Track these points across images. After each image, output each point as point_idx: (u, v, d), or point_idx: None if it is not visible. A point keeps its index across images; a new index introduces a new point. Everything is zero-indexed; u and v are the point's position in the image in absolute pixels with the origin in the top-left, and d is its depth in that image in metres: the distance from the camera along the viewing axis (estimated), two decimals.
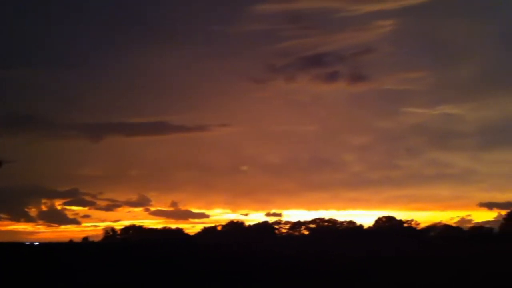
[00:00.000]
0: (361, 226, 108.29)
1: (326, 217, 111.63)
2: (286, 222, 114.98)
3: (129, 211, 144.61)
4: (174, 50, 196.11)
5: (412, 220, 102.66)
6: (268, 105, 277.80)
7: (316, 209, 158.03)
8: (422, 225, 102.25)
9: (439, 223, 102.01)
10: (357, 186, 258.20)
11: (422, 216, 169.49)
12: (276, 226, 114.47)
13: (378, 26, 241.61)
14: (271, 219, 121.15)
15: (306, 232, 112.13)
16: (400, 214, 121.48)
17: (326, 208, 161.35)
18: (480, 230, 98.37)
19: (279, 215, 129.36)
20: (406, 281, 29.45)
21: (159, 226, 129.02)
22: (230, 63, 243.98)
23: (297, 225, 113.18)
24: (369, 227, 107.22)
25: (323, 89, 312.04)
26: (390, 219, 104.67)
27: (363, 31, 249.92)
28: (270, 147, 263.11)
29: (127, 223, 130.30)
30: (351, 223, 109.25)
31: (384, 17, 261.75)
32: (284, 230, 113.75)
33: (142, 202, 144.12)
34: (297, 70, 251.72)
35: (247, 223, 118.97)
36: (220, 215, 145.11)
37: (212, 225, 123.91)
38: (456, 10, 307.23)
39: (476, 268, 40.38)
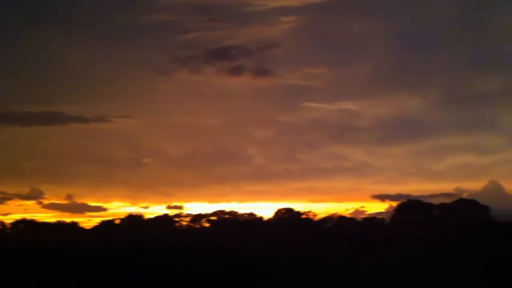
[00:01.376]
0: (261, 218, 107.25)
1: (227, 210, 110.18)
2: (187, 215, 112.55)
3: (20, 204, 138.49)
4: (72, 38, 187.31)
5: (310, 212, 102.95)
6: (172, 96, 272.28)
7: (218, 201, 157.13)
8: (319, 216, 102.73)
9: (335, 214, 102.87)
10: (259, 178, 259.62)
11: (320, 208, 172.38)
12: (177, 219, 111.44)
13: (282, 22, 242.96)
14: (171, 212, 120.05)
15: (207, 225, 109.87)
16: (300, 206, 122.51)
17: (228, 201, 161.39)
18: (372, 220, 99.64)
19: (180, 207, 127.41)
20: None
21: (53, 220, 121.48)
22: (133, 53, 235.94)
23: (198, 217, 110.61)
24: (269, 219, 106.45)
25: (228, 82, 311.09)
26: (289, 210, 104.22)
27: (268, 26, 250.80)
28: (172, 140, 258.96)
29: (18, 216, 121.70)
30: (251, 215, 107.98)
31: (287, 13, 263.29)
32: (184, 223, 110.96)
33: (35, 195, 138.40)
34: (203, 62, 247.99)
35: (146, 216, 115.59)
36: (119, 208, 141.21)
37: (110, 218, 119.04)
38: (355, 9, 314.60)
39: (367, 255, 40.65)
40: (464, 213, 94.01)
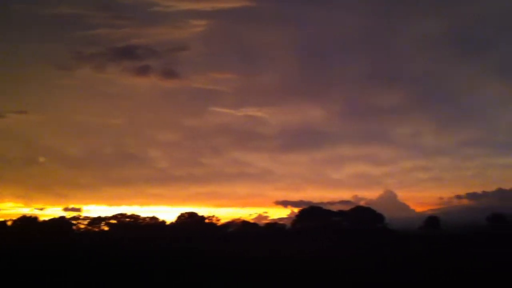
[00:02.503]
0: (163, 222, 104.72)
1: (128, 213, 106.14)
2: (85, 218, 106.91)
3: None
4: None
5: (213, 216, 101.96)
6: (73, 94, 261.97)
7: (118, 204, 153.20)
8: (223, 221, 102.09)
9: (238, 219, 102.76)
10: (161, 182, 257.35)
11: (224, 212, 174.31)
12: (74, 222, 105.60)
13: (192, 25, 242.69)
14: (69, 214, 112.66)
15: (106, 228, 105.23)
16: (203, 210, 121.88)
17: (129, 204, 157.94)
18: (274, 225, 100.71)
19: (78, 210, 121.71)
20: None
21: None
22: (32, 46, 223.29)
23: (97, 220, 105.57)
24: (172, 223, 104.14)
25: (133, 82, 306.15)
26: (192, 215, 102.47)
27: (178, 28, 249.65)
28: (71, 138, 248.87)
29: None
30: (153, 218, 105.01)
31: (198, 17, 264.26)
32: (82, 226, 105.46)
33: None
34: (107, 60, 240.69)
35: (41, 218, 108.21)
36: (12, 209, 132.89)
37: (1, 219, 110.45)
38: (265, 18, 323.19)
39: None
40: (361, 220, 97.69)
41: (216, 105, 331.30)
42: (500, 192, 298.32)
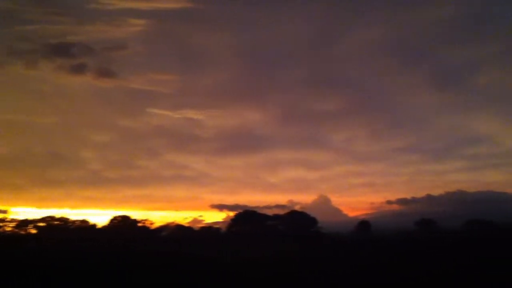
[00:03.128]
0: (94, 225, 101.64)
1: (58, 215, 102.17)
2: (12, 220, 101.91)
3: None
4: None
5: (146, 220, 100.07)
6: (2, 90, 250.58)
7: (48, 207, 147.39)
8: (157, 225, 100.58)
9: (173, 222, 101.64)
10: (94, 184, 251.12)
11: (158, 216, 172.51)
12: (0, 224, 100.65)
13: (131, 24, 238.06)
14: None
15: (34, 231, 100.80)
16: (136, 214, 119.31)
17: (59, 206, 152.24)
18: (209, 229, 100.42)
19: (5, 212, 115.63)
20: None
21: None
22: None
23: (24, 223, 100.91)
24: (103, 226, 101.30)
25: (67, 81, 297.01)
26: (125, 218, 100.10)
27: (115, 26, 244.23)
28: None
29: None
30: (84, 222, 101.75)
31: (137, 16, 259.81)
32: (9, 229, 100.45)
33: None
34: (40, 57, 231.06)
35: None
36: None
37: None
38: (207, 20, 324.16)
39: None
40: (295, 224, 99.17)
41: (154, 106, 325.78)
42: (429, 198, 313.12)
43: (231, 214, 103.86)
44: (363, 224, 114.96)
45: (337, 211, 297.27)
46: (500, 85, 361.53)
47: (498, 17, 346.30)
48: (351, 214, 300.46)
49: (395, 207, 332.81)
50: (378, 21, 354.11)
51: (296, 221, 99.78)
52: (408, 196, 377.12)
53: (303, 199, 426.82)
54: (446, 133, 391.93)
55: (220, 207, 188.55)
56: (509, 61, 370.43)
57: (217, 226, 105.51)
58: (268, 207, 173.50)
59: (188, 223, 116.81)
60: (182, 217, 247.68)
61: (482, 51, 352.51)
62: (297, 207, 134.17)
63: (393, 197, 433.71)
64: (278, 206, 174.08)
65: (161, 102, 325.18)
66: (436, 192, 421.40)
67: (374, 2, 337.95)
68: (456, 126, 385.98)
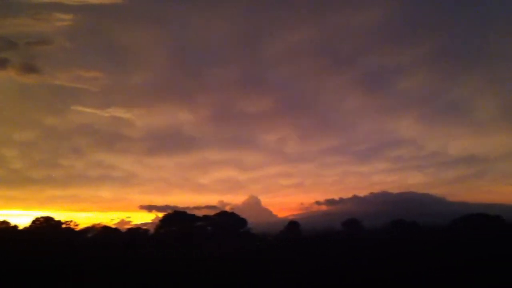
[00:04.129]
0: (15, 227, 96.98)
1: None
2: None
3: None
4: None
5: (71, 221, 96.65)
6: None
7: None
8: (82, 226, 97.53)
9: (99, 224, 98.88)
10: (15, 184, 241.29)
11: (84, 217, 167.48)
12: None
13: (57, 19, 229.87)
14: None
15: None
16: (61, 215, 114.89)
17: None
18: (137, 231, 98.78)
19: None
20: None
21: None
22: None
23: None
24: (25, 228, 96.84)
25: None
26: (48, 219, 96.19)
27: (40, 20, 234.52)
28: None
29: None
30: (4, 223, 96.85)
31: (63, 10, 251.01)
32: None
33: None
34: None
35: None
36: None
37: None
38: (135, 18, 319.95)
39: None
40: (224, 225, 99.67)
41: (80, 104, 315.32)
42: (355, 198, 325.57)
43: (160, 215, 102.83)
44: (292, 225, 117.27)
45: (267, 211, 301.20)
46: (423, 89, 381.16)
47: (422, 24, 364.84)
48: (281, 214, 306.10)
49: (324, 207, 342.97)
50: (307, 24, 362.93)
51: (225, 222, 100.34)
52: (336, 196, 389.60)
53: (233, 200, 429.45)
54: (372, 135, 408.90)
55: (149, 208, 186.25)
56: (433, 66, 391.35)
57: (145, 227, 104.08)
58: (198, 208, 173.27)
59: (115, 224, 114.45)
60: (109, 218, 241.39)
61: (407, 56, 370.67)
62: (227, 208, 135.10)
63: (321, 197, 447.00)
64: (208, 207, 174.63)
65: (88, 99, 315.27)
66: (362, 192, 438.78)
67: (304, 4, 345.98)
68: (381, 129, 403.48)
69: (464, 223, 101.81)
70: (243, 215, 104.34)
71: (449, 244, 54.93)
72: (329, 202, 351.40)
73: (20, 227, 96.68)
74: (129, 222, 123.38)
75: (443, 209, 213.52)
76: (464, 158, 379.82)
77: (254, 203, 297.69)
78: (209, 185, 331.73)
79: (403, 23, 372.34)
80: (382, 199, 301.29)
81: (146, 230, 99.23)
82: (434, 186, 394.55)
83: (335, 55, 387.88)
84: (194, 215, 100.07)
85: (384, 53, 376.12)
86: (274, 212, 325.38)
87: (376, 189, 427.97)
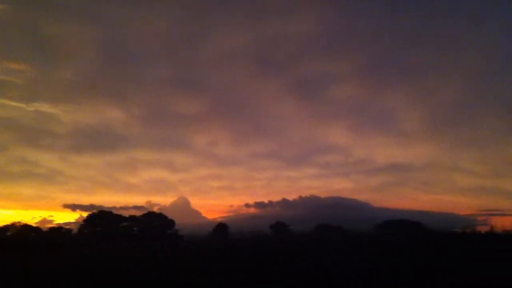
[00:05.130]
0: None
1: None
2: None
3: None
4: None
5: None
6: None
7: None
8: (0, 224, 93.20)
9: (19, 222, 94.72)
10: None
11: (3, 215, 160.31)
12: None
13: None
14: None
15: None
16: None
17: None
18: (59, 230, 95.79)
19: None
20: None
21: None
22: None
23: None
24: None
25: None
26: None
27: None
28: None
29: None
30: None
31: None
32: None
33: None
34: None
35: None
36: None
37: None
38: (66, 11, 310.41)
39: None
40: (152, 225, 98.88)
41: (3, 97, 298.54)
42: (284, 202, 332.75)
43: (85, 214, 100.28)
44: (221, 227, 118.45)
45: (197, 213, 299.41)
46: (354, 98, 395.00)
47: (356, 34, 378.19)
48: (210, 216, 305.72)
49: (253, 210, 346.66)
50: (244, 28, 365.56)
51: (152, 223, 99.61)
52: (265, 200, 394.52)
53: (162, 201, 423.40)
54: (302, 141, 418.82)
55: (73, 207, 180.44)
56: (364, 76, 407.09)
57: (68, 227, 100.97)
58: (125, 208, 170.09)
59: (37, 223, 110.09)
60: (30, 216, 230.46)
61: (341, 65, 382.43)
62: (155, 209, 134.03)
63: (251, 200, 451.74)
64: (135, 207, 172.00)
65: (12, 93, 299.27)
66: (291, 196, 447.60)
67: (242, 9, 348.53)
68: (311, 135, 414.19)
69: (387, 228, 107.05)
70: (171, 216, 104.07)
71: (371, 248, 57.76)
72: (259, 205, 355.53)
73: None
74: (51, 221, 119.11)
75: (367, 214, 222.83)
76: (388, 166, 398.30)
77: (183, 204, 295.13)
78: (137, 185, 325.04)
79: (338, 32, 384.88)
80: (310, 203, 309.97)
81: (69, 230, 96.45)
82: (360, 191, 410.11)
83: (270, 60, 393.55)
84: (120, 215, 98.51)
85: (318, 61, 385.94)
86: (204, 214, 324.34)
87: (305, 193, 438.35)
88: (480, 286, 22.89)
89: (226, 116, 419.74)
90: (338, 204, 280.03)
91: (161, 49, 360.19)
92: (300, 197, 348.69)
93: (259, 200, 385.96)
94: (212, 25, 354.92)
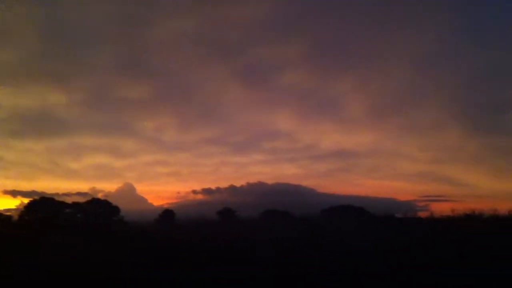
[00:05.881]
0: None
1: None
2: None
3: None
4: None
5: None
6: None
7: None
8: None
9: None
10: None
11: None
12: None
13: None
14: None
15: None
16: None
17: None
18: None
19: None
20: None
21: None
22: None
23: None
24: None
25: None
26: None
27: None
28: None
29: None
30: None
31: None
32: None
33: None
34: None
35: None
36: None
37: None
38: None
39: None
40: (96, 212, 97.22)
41: None
42: (232, 188, 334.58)
43: (26, 201, 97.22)
44: (167, 213, 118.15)
45: (143, 200, 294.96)
46: (302, 85, 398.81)
47: (306, 21, 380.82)
48: (157, 203, 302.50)
49: (200, 196, 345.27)
50: (192, 12, 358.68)
51: (96, 210, 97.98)
52: (213, 186, 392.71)
53: (107, 187, 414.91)
54: (250, 127, 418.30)
55: (14, 194, 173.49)
56: (313, 63, 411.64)
57: (8, 213, 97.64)
58: (68, 194, 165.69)
59: None
60: None
61: (287, 52, 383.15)
62: (100, 195, 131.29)
63: (198, 187, 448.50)
64: (79, 194, 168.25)
65: None
66: (239, 182, 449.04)
67: None
68: (259, 121, 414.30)
69: (331, 213, 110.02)
70: (116, 203, 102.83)
71: (316, 232, 59.75)
72: (206, 191, 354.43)
73: None
74: None
75: (314, 199, 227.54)
76: (334, 152, 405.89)
77: (128, 191, 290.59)
78: (81, 171, 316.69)
79: (286, 19, 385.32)
80: (258, 189, 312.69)
81: (9, 217, 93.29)
82: (307, 177, 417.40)
83: (218, 45, 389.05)
84: (63, 201, 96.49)
85: (266, 47, 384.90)
86: (150, 201, 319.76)
87: (253, 179, 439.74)
88: (418, 266, 24.41)
89: (172, 101, 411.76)
90: (285, 190, 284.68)
91: (106, 31, 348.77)
92: (248, 183, 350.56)
93: (206, 186, 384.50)
94: (160, 8, 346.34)
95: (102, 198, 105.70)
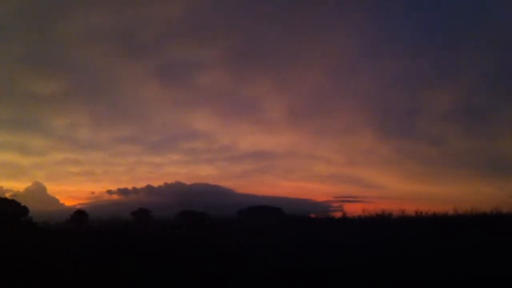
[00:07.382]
0: None
1: None
2: None
3: None
4: None
5: None
6: None
7: None
8: None
9: None
10: None
11: None
12: None
13: None
14: None
15: None
16: None
17: None
18: None
19: None
20: None
21: None
22: None
23: None
24: None
25: None
26: None
27: None
28: None
29: None
30: None
31: None
32: None
33: None
34: None
35: None
36: None
37: None
38: None
39: None
40: (3, 213, 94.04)
41: None
42: (149, 188, 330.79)
43: None
44: (79, 214, 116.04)
45: (54, 200, 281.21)
46: (221, 85, 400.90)
47: (225, 22, 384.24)
48: (69, 203, 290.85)
49: (116, 197, 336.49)
50: (108, 7, 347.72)
51: (4, 210, 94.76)
52: (129, 186, 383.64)
53: (14, 186, 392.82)
54: (167, 126, 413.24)
55: None
56: (229, 63, 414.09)
57: None
58: None
59: None
60: None
61: (205, 52, 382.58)
62: (7, 195, 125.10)
63: (114, 186, 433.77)
64: None
65: None
66: (156, 183, 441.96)
67: None
68: (176, 121, 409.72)
69: (248, 213, 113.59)
70: (25, 203, 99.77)
71: (232, 232, 62.71)
72: (122, 191, 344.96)
73: None
74: None
75: (231, 200, 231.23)
76: (252, 153, 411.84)
77: (38, 190, 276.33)
78: None
79: (205, 18, 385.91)
80: (176, 190, 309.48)
81: None
82: (225, 178, 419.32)
83: (135, 42, 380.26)
84: None
85: (184, 46, 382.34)
86: (62, 201, 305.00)
87: (170, 179, 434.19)
88: (331, 263, 27.93)
89: (86, 98, 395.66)
90: (203, 191, 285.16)
91: (15, 22, 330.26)
92: (166, 183, 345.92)
93: (122, 186, 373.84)
94: (75, 2, 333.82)
95: (10, 197, 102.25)
